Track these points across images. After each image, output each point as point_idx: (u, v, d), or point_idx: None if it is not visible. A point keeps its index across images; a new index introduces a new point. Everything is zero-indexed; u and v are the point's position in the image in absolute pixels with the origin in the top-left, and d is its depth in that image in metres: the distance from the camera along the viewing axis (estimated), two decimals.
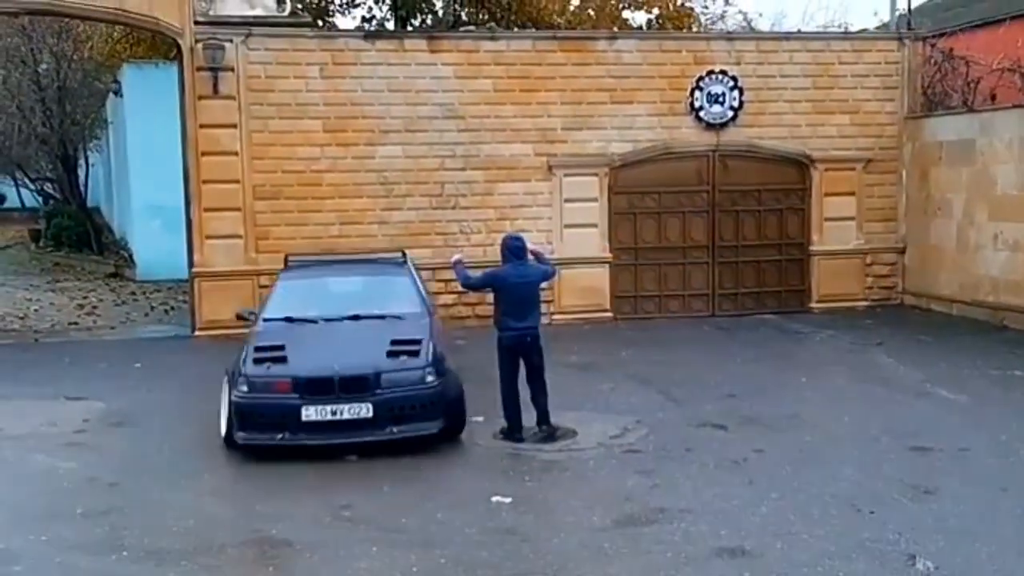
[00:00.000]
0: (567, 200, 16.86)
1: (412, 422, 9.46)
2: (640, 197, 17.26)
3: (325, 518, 7.91)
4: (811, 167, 17.67)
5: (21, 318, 18.32)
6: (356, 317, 10.61)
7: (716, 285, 17.57)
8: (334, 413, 9.31)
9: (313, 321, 10.67)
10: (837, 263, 17.79)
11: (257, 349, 9.89)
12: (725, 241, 17.56)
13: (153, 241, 22.59)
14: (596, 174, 16.99)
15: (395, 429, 9.40)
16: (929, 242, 17.54)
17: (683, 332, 15.94)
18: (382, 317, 10.67)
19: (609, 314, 16.99)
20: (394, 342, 9.87)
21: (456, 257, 10.92)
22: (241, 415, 9.39)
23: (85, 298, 20.66)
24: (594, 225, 16.99)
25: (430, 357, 9.77)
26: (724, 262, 17.55)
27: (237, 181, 15.86)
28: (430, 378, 9.62)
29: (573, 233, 16.81)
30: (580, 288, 16.83)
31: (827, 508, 7.90)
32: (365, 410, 9.33)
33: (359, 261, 13.36)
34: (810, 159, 17.62)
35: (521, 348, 10.04)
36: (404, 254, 12.77)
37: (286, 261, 12.79)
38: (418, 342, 9.95)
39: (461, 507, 8.11)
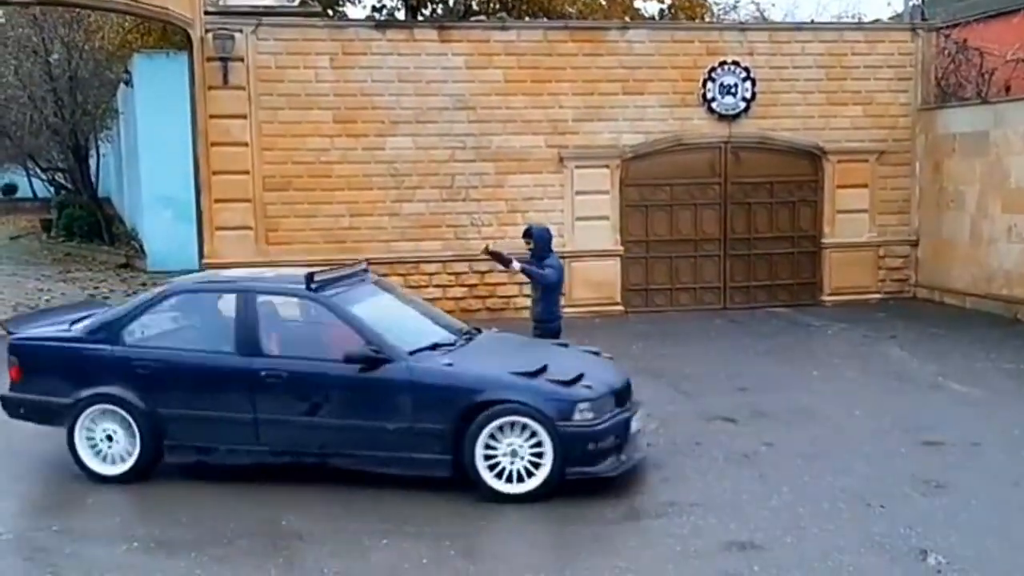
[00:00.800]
0: (578, 192, 16.80)
1: None
2: (652, 189, 17.20)
3: (336, 509, 7.91)
4: (824, 159, 17.58)
5: (33, 308, 18.34)
6: None
7: (728, 278, 17.51)
8: None
9: None
10: (850, 256, 17.72)
11: None
12: (737, 234, 17.50)
13: (164, 232, 22.64)
14: (607, 166, 16.93)
15: None
16: (942, 235, 17.46)
17: (694, 325, 15.88)
18: None
19: (620, 307, 16.94)
20: None
21: (515, 265, 10.41)
22: None
23: (96, 288, 20.71)
24: (605, 218, 16.94)
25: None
26: (736, 255, 17.49)
27: (247, 172, 15.85)
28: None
29: (584, 226, 16.76)
30: (591, 281, 16.78)
31: (837, 502, 7.87)
32: None
33: None
34: (823, 151, 17.54)
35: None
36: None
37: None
38: None
39: (469, 500, 8.07)
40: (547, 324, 10.34)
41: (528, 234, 10.63)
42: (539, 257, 10.38)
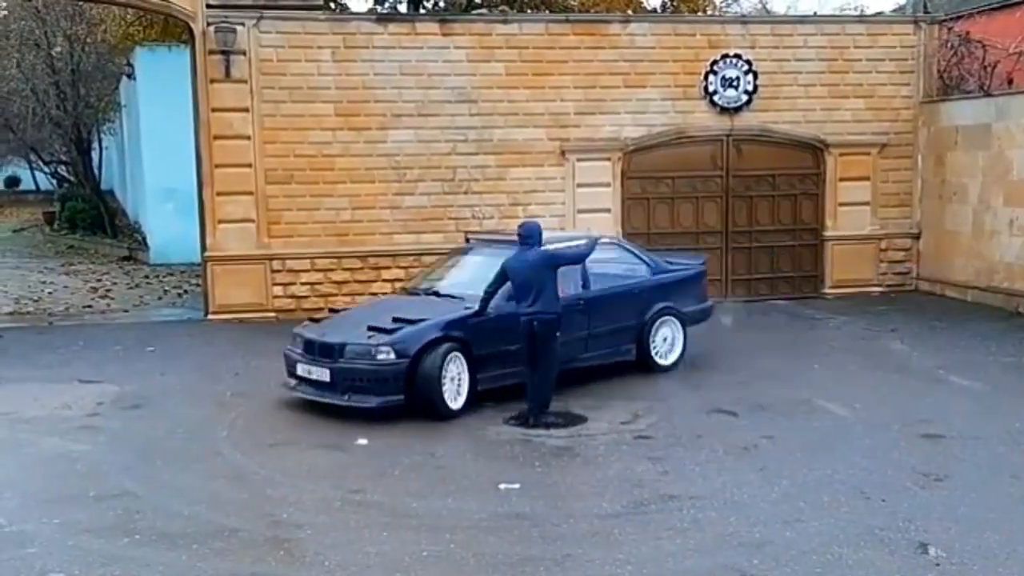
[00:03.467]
0: (580, 185, 16.82)
1: (363, 393, 10.14)
2: (653, 182, 17.21)
3: (336, 502, 7.94)
4: (825, 152, 17.58)
5: (35, 301, 18.41)
6: (436, 294, 11.50)
7: (729, 271, 17.51)
8: (309, 372, 10.48)
9: (415, 294, 11.89)
10: (851, 248, 17.72)
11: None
12: (739, 226, 17.51)
13: (166, 224, 22.65)
14: (609, 159, 16.94)
15: (348, 397, 10.19)
16: (944, 227, 17.45)
17: None
18: (452, 296, 11.16)
19: None
20: (394, 319, 10.40)
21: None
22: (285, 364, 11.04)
23: (99, 281, 20.74)
24: (607, 210, 16.95)
25: (398, 336, 10.14)
26: (737, 247, 17.50)
27: (249, 165, 15.86)
28: (382, 355, 10.06)
29: (586, 218, 16.74)
30: None
31: (837, 495, 7.88)
32: (326, 374, 10.29)
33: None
34: (824, 144, 17.53)
35: (529, 332, 10.02)
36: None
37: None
38: (412, 322, 10.24)
39: (471, 492, 8.13)
40: (548, 314, 10.13)
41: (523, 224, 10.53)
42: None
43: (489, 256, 11.25)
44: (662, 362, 12.04)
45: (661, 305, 12.01)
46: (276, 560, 6.90)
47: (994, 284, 16.33)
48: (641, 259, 12.43)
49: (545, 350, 10.01)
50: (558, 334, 10.06)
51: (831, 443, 9.31)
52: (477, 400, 10.45)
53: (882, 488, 8.04)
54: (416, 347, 10.08)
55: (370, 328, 10.37)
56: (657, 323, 11.98)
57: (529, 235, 10.21)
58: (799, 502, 7.77)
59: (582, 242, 10.85)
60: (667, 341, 12.09)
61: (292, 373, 10.75)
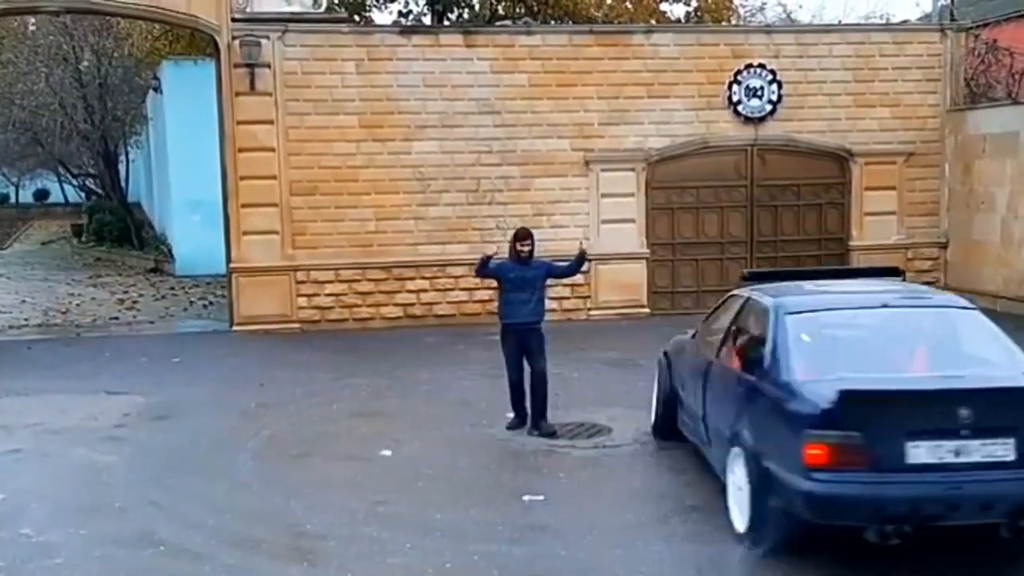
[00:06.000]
0: (604, 195, 16.80)
1: None
2: (678, 192, 17.17)
3: (359, 513, 7.93)
4: (851, 161, 17.49)
5: (63, 312, 18.56)
6: None
7: None
8: None
9: None
10: (878, 258, 17.50)
11: None
12: (763, 236, 17.43)
13: (192, 236, 22.81)
14: (633, 169, 16.91)
15: None
16: (972, 236, 17.30)
17: None
18: None
19: (646, 310, 16.91)
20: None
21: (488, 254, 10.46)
22: None
23: (126, 293, 20.90)
24: (631, 220, 16.92)
25: None
26: (762, 257, 17.39)
27: (274, 177, 15.95)
28: None
29: (610, 228, 16.75)
30: (617, 284, 16.77)
31: None
32: None
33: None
34: (850, 153, 17.44)
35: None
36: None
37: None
38: None
39: (495, 504, 8.11)
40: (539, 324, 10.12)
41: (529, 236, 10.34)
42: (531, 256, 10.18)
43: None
44: (735, 523, 7.26)
45: (741, 429, 7.26)
46: (300, 571, 6.91)
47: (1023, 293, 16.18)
48: (769, 345, 7.29)
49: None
50: (505, 342, 10.15)
51: None
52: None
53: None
54: None
55: None
56: (732, 457, 7.38)
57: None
58: None
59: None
60: (735, 486, 7.33)
61: None
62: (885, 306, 7.80)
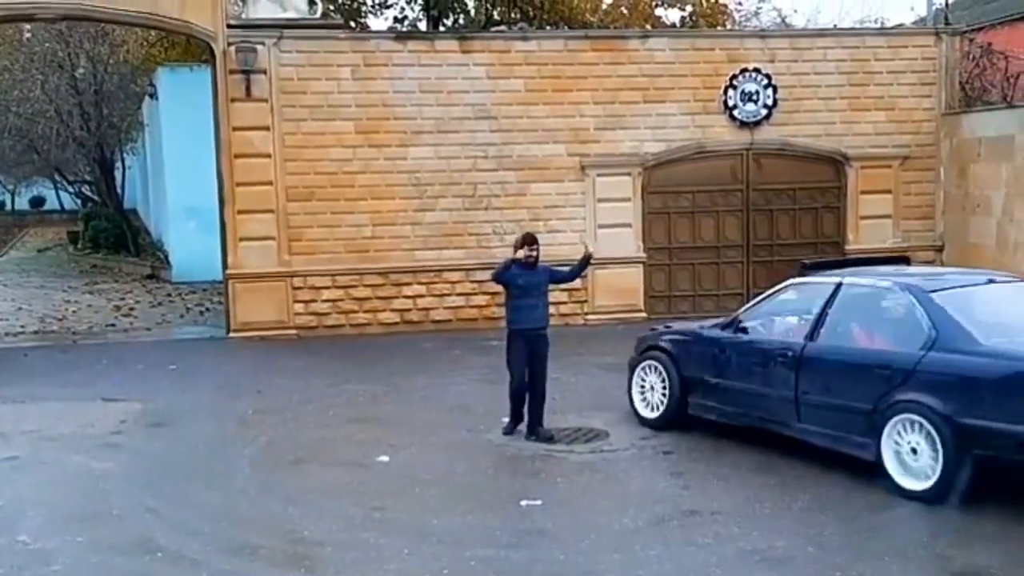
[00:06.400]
0: (600, 200, 16.81)
1: None
2: (674, 196, 17.20)
3: (357, 519, 7.93)
4: (846, 165, 17.52)
5: (60, 320, 18.55)
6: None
7: (751, 284, 17.40)
8: None
9: None
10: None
11: None
12: (760, 240, 17.45)
13: (188, 243, 22.79)
14: (629, 174, 16.94)
15: None
16: (968, 240, 17.33)
17: None
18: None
19: (643, 314, 16.92)
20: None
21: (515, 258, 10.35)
22: None
23: (122, 299, 20.88)
24: (628, 225, 16.94)
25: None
26: (759, 261, 17.43)
27: (270, 183, 15.95)
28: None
29: (607, 233, 16.76)
30: (614, 288, 16.78)
31: (860, 511, 7.81)
32: None
33: None
34: (845, 157, 17.47)
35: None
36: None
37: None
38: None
39: (492, 509, 8.11)
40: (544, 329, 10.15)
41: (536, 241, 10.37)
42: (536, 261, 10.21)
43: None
44: (899, 481, 8.08)
45: (908, 396, 8.03)
46: None
47: None
48: (920, 319, 8.29)
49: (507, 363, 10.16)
50: (512, 348, 10.06)
51: (852, 456, 9.21)
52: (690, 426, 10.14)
53: (905, 503, 7.95)
54: (636, 351, 10.75)
55: None
56: (894, 420, 8.10)
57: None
58: (820, 516, 7.71)
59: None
60: (908, 451, 8.04)
61: None
62: (991, 281, 9.21)
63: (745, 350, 9.57)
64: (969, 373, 7.81)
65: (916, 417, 7.93)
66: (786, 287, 9.79)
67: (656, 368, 10.33)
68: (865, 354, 8.59)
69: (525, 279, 10.06)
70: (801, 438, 8.94)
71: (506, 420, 10.29)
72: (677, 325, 11.31)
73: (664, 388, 10.23)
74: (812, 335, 8.93)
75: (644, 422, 10.36)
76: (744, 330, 9.66)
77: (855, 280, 9.12)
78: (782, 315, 9.65)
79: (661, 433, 10.10)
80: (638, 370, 10.54)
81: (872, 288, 8.94)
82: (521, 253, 10.06)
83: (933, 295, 8.42)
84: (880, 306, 8.84)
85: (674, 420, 10.13)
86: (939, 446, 7.76)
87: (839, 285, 9.04)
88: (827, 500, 8.08)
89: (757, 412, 9.41)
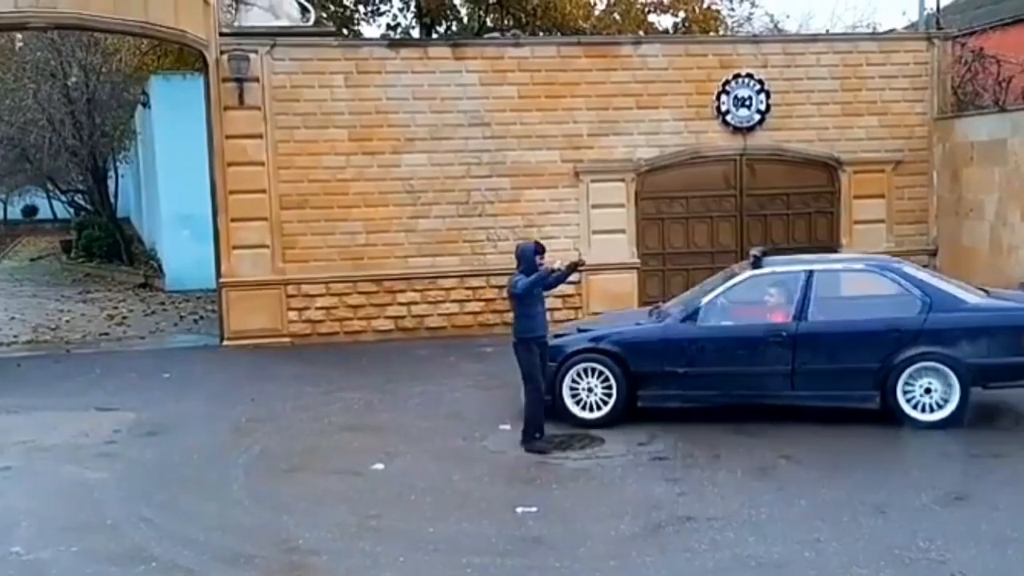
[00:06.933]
0: (594, 206, 16.81)
1: None
2: (668, 202, 17.20)
3: (352, 528, 7.91)
4: (840, 170, 17.54)
5: (53, 329, 18.50)
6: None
7: None
8: None
9: None
10: None
11: None
12: (754, 245, 17.40)
13: (182, 251, 22.71)
14: (623, 180, 16.94)
15: None
16: (961, 244, 17.35)
17: None
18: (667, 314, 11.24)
19: None
20: (579, 329, 11.34)
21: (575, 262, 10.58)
22: None
23: (115, 308, 20.83)
24: (622, 231, 16.94)
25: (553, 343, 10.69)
26: None
27: (263, 191, 15.93)
28: None
29: (601, 239, 16.76)
30: (608, 294, 16.73)
31: (856, 515, 7.81)
32: None
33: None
34: (838, 162, 17.49)
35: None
36: None
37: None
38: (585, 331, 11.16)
39: (488, 516, 8.10)
40: (516, 336, 10.10)
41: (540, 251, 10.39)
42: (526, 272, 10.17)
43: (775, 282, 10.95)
44: (920, 417, 10.13)
45: (923, 349, 10.11)
46: None
47: None
48: (910, 290, 10.42)
49: (523, 375, 10.05)
50: (532, 359, 9.97)
51: (850, 462, 9.23)
52: (640, 417, 10.60)
53: (902, 507, 7.97)
54: (561, 356, 10.60)
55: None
56: (911, 370, 10.13)
57: (519, 258, 10.21)
58: (817, 521, 7.71)
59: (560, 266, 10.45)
60: (930, 393, 10.11)
61: None
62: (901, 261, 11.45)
63: (726, 337, 10.56)
64: (966, 325, 10.20)
65: (933, 364, 10.06)
66: (746, 279, 10.82)
67: (595, 370, 10.60)
68: (870, 323, 10.36)
69: (538, 288, 10.14)
70: (794, 404, 10.40)
71: (505, 427, 10.30)
72: (578, 328, 11.52)
73: (607, 388, 10.55)
74: (800, 315, 10.39)
75: (581, 423, 10.53)
76: (709, 321, 10.58)
77: (827, 267, 11.01)
78: (752, 303, 10.74)
79: (656, 439, 10.10)
80: (569, 374, 10.61)
81: (852, 271, 11.02)
82: (543, 260, 10.20)
83: (914, 271, 10.71)
84: (861, 284, 10.83)
85: (620, 416, 10.51)
86: (954, 383, 10.00)
87: (811, 272, 10.60)
88: (824, 506, 8.08)
89: (739, 390, 10.56)
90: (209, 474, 9.48)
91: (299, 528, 7.88)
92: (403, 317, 16.41)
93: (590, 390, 10.61)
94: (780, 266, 11.05)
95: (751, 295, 10.79)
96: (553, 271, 10.15)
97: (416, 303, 16.43)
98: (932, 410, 10.09)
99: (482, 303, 16.36)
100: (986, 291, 11.17)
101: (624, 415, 10.54)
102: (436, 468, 9.39)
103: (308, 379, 13.48)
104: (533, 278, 9.99)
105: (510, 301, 10.25)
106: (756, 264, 10.93)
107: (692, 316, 10.65)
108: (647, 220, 17.14)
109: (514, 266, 10.33)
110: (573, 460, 9.60)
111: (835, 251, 17.45)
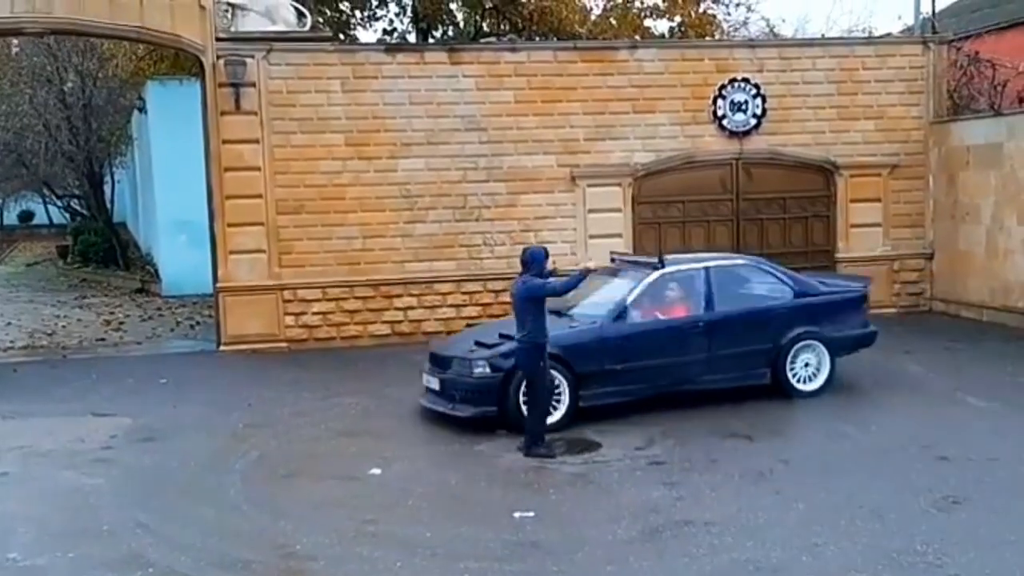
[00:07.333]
0: (591, 211, 16.82)
1: (464, 404, 10.74)
2: (664, 207, 17.21)
3: (349, 533, 7.90)
4: (836, 174, 17.56)
5: (49, 335, 18.46)
6: (559, 313, 11.21)
7: None
8: (428, 381, 11.32)
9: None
10: (864, 270, 17.55)
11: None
12: (750, 249, 17.35)
13: (178, 256, 22.68)
14: (619, 184, 16.95)
15: (452, 406, 10.81)
16: (958, 247, 17.38)
17: None
18: (562, 315, 11.23)
19: None
20: (500, 335, 10.88)
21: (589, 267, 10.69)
22: None
23: (112, 314, 20.80)
24: (618, 235, 16.93)
25: (495, 352, 10.66)
26: None
27: (260, 196, 15.92)
28: (478, 369, 10.63)
29: (597, 244, 16.69)
30: None
31: (854, 519, 7.81)
32: (437, 384, 11.08)
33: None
34: (835, 165, 17.51)
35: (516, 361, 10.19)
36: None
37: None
38: (511, 339, 10.43)
39: (485, 521, 8.09)
40: (526, 344, 10.01)
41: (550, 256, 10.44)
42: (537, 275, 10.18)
43: (606, 277, 11.82)
44: (802, 387, 11.72)
45: (802, 329, 11.74)
46: None
47: (1009, 304, 16.24)
48: (783, 280, 12.15)
49: (529, 381, 10.01)
50: (542, 364, 9.94)
51: (847, 466, 9.24)
52: (582, 418, 10.69)
53: (899, 511, 7.97)
54: (510, 363, 10.39)
55: (476, 343, 11.06)
56: (796, 347, 11.70)
57: (528, 262, 10.15)
58: (816, 526, 7.71)
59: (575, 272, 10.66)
60: (808, 367, 11.76)
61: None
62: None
63: (655, 332, 11.25)
64: (826, 305, 12.09)
65: (810, 341, 11.70)
66: (658, 278, 11.58)
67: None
68: (761, 310, 11.85)
69: (514, 289, 10.15)
70: (710, 387, 11.36)
71: (503, 432, 10.28)
72: (476, 342, 11.32)
73: (558, 392, 10.56)
74: (708, 306, 11.50)
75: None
76: (635, 318, 11.25)
77: (718, 263, 12.08)
78: (666, 299, 11.61)
79: (654, 443, 10.10)
80: (524, 382, 10.25)
81: (735, 266, 12.18)
82: (551, 265, 10.42)
83: (769, 265, 12.38)
84: (745, 277, 12.03)
85: (570, 420, 10.59)
86: (824, 356, 11.74)
87: (708, 268, 11.76)
88: (821, 510, 8.08)
89: (665, 380, 11.16)
90: (206, 479, 9.46)
91: (296, 533, 7.87)
92: (400, 322, 16.40)
93: None
94: (682, 264, 11.94)
95: (665, 292, 11.65)
96: (587, 270, 10.43)
97: (413, 308, 16.42)
98: (808, 381, 11.71)
99: (479, 307, 16.35)
100: (824, 282, 12.80)
101: (572, 419, 10.59)
102: (433, 473, 9.39)
103: (305, 384, 13.46)
104: (569, 281, 10.27)
105: (523, 304, 9.94)
106: (660, 264, 11.65)
107: (622, 315, 11.20)
108: (644, 224, 17.14)
109: (511, 270, 10.35)
110: (570, 465, 9.60)
111: (832, 255, 17.57)
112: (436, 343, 12.41)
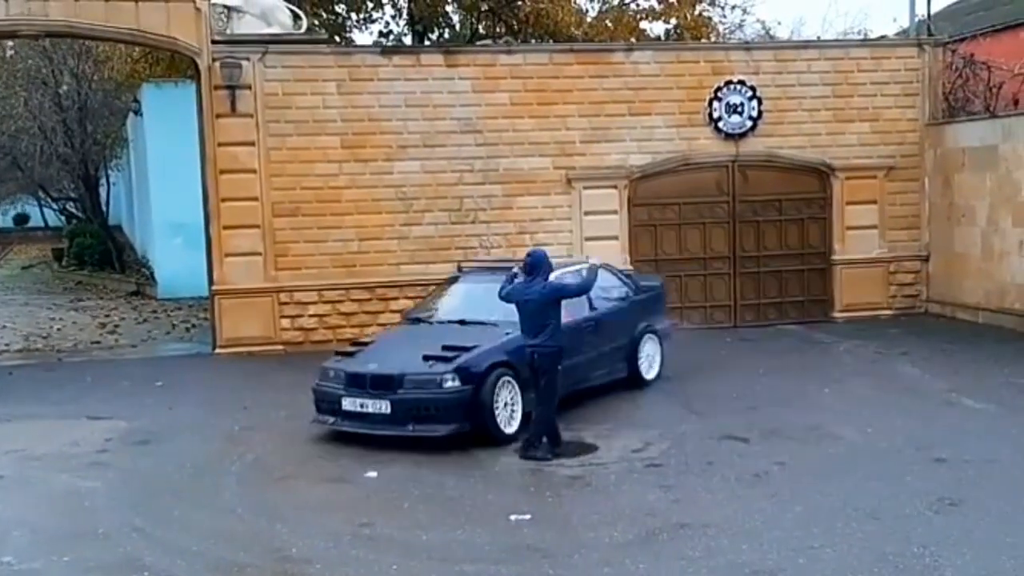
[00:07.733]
0: (587, 213, 16.82)
1: (429, 423, 10.15)
2: (660, 209, 17.22)
3: (345, 536, 7.89)
4: (832, 176, 17.57)
5: (44, 337, 18.43)
6: (463, 322, 11.53)
7: (738, 296, 17.48)
8: (362, 406, 10.32)
9: (429, 323, 12.10)
10: (860, 272, 17.66)
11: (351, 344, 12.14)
12: (746, 251, 17.47)
13: (174, 259, 22.67)
14: (615, 186, 16.95)
15: (412, 427, 10.16)
16: (953, 249, 17.39)
17: (705, 344, 15.81)
18: (482, 323, 11.25)
19: None
20: (444, 347, 10.46)
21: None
22: (314, 400, 10.91)
23: (107, 316, 20.78)
24: (614, 237, 16.94)
25: (462, 363, 10.21)
26: (746, 272, 17.46)
27: (256, 198, 15.90)
28: (448, 383, 10.08)
29: (593, 246, 16.65)
30: None
31: (850, 521, 7.81)
32: (385, 406, 10.20)
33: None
34: (830, 168, 17.52)
35: (530, 364, 10.04)
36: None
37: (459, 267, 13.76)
38: (467, 349, 10.29)
39: (482, 524, 8.07)
40: (549, 347, 9.97)
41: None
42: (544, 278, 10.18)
43: (484, 284, 11.62)
44: (647, 376, 12.79)
45: (644, 324, 12.81)
46: None
47: (1005, 305, 16.25)
48: (624, 281, 13.19)
49: (545, 384, 9.95)
50: (560, 367, 9.96)
51: (843, 468, 9.24)
52: (582, 419, 10.83)
53: (895, 513, 7.97)
54: (479, 373, 10.23)
55: (426, 357, 10.38)
56: (643, 340, 12.77)
57: (536, 265, 10.12)
58: (812, 528, 7.70)
59: (584, 268, 10.96)
60: (649, 357, 12.83)
61: (332, 409, 10.65)
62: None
63: (574, 332, 11.05)
64: (650, 300, 13.33)
65: (651, 334, 12.85)
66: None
67: (508, 383, 10.42)
68: (621, 308, 12.57)
69: (520, 294, 10.16)
70: (592, 384, 11.79)
71: (520, 438, 10.21)
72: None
73: (514, 399, 10.47)
74: (591, 306, 11.92)
75: (507, 439, 10.26)
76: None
77: (584, 266, 11.45)
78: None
79: (651, 446, 10.10)
80: (493, 392, 10.25)
81: (594, 268, 10.90)
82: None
83: (611, 267, 13.01)
84: (602, 278, 11.35)
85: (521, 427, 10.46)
86: (658, 346, 12.96)
87: (582, 272, 11.32)
88: (818, 512, 8.07)
89: (571, 381, 10.88)
90: (202, 483, 9.44)
91: (292, 536, 7.86)
92: (393, 325, 16.36)
93: (506, 404, 10.38)
94: (562, 267, 11.50)
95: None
96: (595, 267, 10.63)
97: None
98: (649, 371, 12.79)
99: None
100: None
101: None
102: (429, 475, 9.36)
103: (301, 387, 13.30)
104: (587, 280, 10.46)
105: (543, 308, 9.88)
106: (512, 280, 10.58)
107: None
108: (640, 226, 17.15)
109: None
110: (567, 467, 9.58)
111: (828, 257, 17.58)
112: (347, 364, 10.91)
